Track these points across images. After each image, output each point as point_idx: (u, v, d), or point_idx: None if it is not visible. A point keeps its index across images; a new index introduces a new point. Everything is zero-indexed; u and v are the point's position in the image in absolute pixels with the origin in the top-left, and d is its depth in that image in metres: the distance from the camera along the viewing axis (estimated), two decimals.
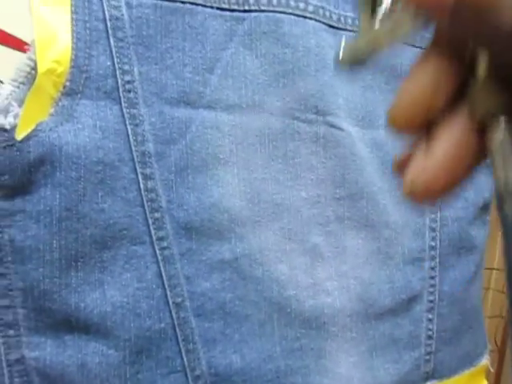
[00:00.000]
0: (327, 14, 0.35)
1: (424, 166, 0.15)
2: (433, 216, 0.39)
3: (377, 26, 0.16)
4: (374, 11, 0.16)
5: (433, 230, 0.39)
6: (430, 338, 0.39)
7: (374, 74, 0.37)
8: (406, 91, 0.15)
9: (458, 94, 0.15)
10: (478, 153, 0.14)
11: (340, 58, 0.16)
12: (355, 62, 0.17)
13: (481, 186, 0.42)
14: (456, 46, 0.14)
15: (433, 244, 0.39)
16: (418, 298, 0.38)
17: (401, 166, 0.16)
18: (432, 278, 0.39)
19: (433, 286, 0.39)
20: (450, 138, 0.14)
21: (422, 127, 0.15)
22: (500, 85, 0.13)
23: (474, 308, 0.42)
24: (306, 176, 0.34)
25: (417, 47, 0.39)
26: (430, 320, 0.39)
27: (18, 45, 0.49)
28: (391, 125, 0.15)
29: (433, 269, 0.39)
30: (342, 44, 0.17)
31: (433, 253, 0.39)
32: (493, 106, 0.14)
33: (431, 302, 0.39)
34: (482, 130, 0.14)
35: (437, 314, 0.39)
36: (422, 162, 0.15)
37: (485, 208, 0.43)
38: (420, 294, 0.38)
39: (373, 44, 0.16)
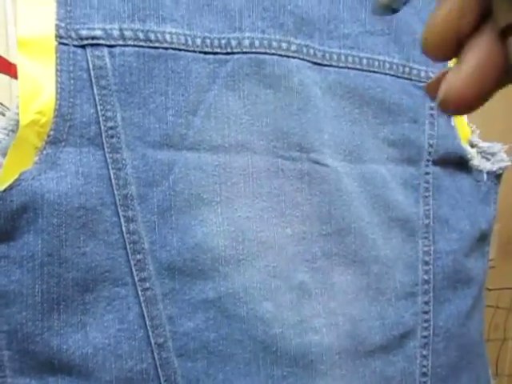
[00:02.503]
0: (311, 51, 0.36)
1: (456, 77, 0.16)
2: (426, 249, 0.39)
3: None
4: None
5: (426, 263, 0.39)
6: (424, 375, 0.38)
7: (361, 108, 0.37)
8: (437, 14, 0.16)
9: (485, 18, 0.16)
10: (505, 65, 0.15)
11: (378, 4, 0.18)
12: (390, 8, 0.18)
13: (477, 218, 0.41)
14: None
15: (426, 278, 0.39)
16: (410, 333, 0.38)
17: (434, 85, 0.17)
18: (426, 312, 0.38)
19: (427, 321, 0.38)
20: (478, 51, 0.16)
21: (454, 51, 0.16)
22: None
23: (473, 343, 0.41)
24: (292, 213, 0.35)
25: (404, 78, 0.39)
26: (424, 356, 0.38)
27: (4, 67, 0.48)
28: (425, 50, 0.17)
29: (426, 303, 0.38)
30: None
31: (426, 287, 0.38)
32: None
33: (425, 337, 0.38)
34: (506, 42, 0.15)
35: (431, 350, 0.38)
36: (453, 75, 0.16)
37: (482, 239, 0.42)
38: (413, 329, 0.38)
39: None
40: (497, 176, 0.43)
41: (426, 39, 0.17)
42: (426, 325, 0.38)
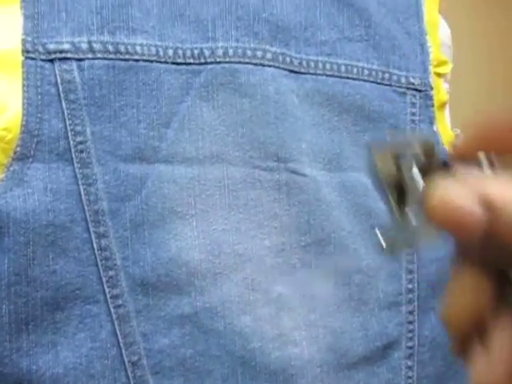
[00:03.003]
0: (287, 59, 0.35)
1: (486, 364, 0.16)
2: (409, 257, 0.38)
3: (409, 221, 0.18)
4: (401, 202, 0.18)
5: (410, 271, 0.38)
6: None
7: (340, 116, 0.37)
8: (453, 295, 0.17)
9: (502, 294, 0.17)
10: None
11: (384, 249, 0.19)
12: (396, 251, 0.19)
13: None
14: (487, 262, 0.16)
15: (410, 287, 0.38)
16: (395, 344, 0.37)
17: (460, 348, 0.18)
18: (410, 322, 0.38)
19: (411, 331, 0.37)
20: (502, 337, 0.16)
21: (473, 327, 0.17)
22: None
23: None
24: (270, 224, 0.34)
25: (384, 84, 0.39)
26: (409, 367, 0.37)
27: None
28: (446, 323, 0.18)
29: (411, 313, 0.38)
30: (379, 235, 0.19)
31: (410, 296, 0.38)
32: None
33: (410, 348, 0.37)
34: None
35: (417, 361, 0.37)
36: (484, 361, 0.17)
37: None
38: (397, 340, 0.37)
39: (409, 241, 0.18)
40: None
41: (447, 317, 0.17)
42: (410, 335, 0.37)
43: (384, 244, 0.19)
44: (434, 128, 0.41)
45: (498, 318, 0.17)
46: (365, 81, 0.38)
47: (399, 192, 0.19)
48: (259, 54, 0.34)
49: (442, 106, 0.42)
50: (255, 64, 0.34)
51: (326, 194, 0.35)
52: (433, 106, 0.41)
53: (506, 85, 1.26)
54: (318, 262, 0.35)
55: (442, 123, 0.42)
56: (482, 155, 0.18)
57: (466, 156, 0.18)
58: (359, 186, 0.37)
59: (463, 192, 0.15)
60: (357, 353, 0.35)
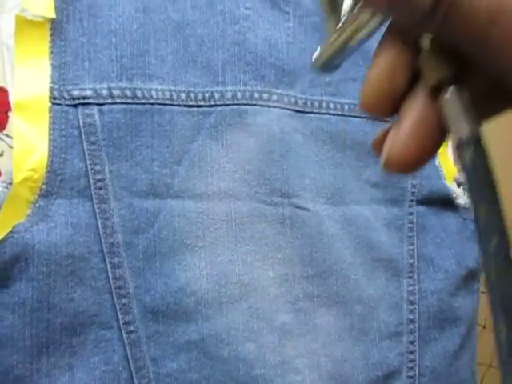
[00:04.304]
0: (292, 100, 0.38)
1: (394, 139, 0.16)
2: (411, 288, 0.39)
3: (340, 28, 0.17)
4: (337, 15, 0.18)
5: (411, 302, 0.39)
6: None
7: (343, 152, 0.39)
8: (369, 77, 0.16)
9: (418, 77, 0.16)
10: (439, 122, 0.16)
11: (313, 63, 0.18)
12: (326, 65, 0.19)
13: (463, 256, 0.41)
14: (401, 30, 0.16)
15: (411, 317, 0.39)
16: (395, 374, 0.38)
17: (378, 144, 0.17)
18: (411, 352, 0.39)
19: (412, 361, 0.39)
20: (413, 111, 0.16)
21: (390, 110, 0.17)
22: (444, 56, 0.15)
23: (461, 382, 0.41)
24: (274, 256, 0.36)
25: (385, 121, 0.41)
26: None
27: None
28: (362, 109, 0.17)
29: (412, 343, 0.39)
30: (316, 51, 0.18)
31: (411, 326, 0.39)
32: (441, 75, 0.15)
33: (411, 377, 0.38)
34: (437, 99, 0.16)
35: None
36: (392, 136, 0.16)
37: (470, 277, 0.42)
38: (398, 369, 0.38)
39: (339, 46, 0.18)
40: None
41: (363, 99, 0.17)
42: (411, 365, 0.38)
43: (314, 60, 0.18)
44: (436, 162, 0.42)
45: (412, 94, 0.16)
46: (367, 118, 0.40)
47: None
48: (265, 96, 0.37)
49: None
50: (262, 105, 0.36)
51: (328, 228, 0.37)
52: None
53: None
54: (320, 292, 0.37)
55: (444, 157, 0.43)
56: None
57: None
58: (361, 219, 0.38)
59: None
60: (357, 381, 0.37)
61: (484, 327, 1.25)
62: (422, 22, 0.14)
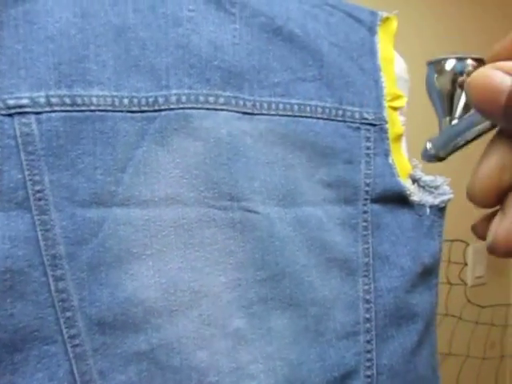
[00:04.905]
0: (240, 102, 0.37)
1: (500, 228, 0.18)
2: (366, 287, 0.39)
3: (454, 126, 0.21)
4: (451, 114, 0.21)
5: (367, 301, 0.39)
6: None
7: (294, 153, 0.39)
8: (479, 173, 0.18)
9: None
10: None
11: (428, 153, 0.22)
12: (439, 156, 0.21)
13: (419, 253, 0.42)
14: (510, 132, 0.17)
15: (367, 316, 0.39)
16: (353, 373, 0.38)
17: (479, 228, 0.20)
18: (368, 351, 0.39)
19: (370, 360, 0.39)
20: None
21: (497, 201, 0.19)
22: None
23: (421, 379, 0.41)
24: (225, 261, 0.35)
25: (337, 121, 0.40)
26: None
27: None
28: (470, 200, 0.19)
29: (369, 342, 0.39)
30: (427, 143, 0.22)
31: (368, 325, 0.39)
32: None
33: (369, 377, 0.38)
34: None
35: None
36: (499, 223, 0.18)
37: (427, 273, 0.42)
38: (355, 369, 0.38)
39: (453, 142, 0.21)
40: (440, 209, 0.44)
41: (471, 192, 0.19)
42: (369, 364, 0.38)
43: (429, 147, 0.21)
44: (390, 160, 0.42)
45: None
46: (318, 118, 0.40)
47: (451, 104, 0.22)
48: (211, 99, 0.36)
49: (398, 138, 0.44)
50: (208, 109, 0.36)
51: (279, 230, 0.37)
52: (388, 138, 0.43)
53: None
54: (273, 295, 0.36)
55: (398, 155, 0.43)
56: None
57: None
58: (314, 220, 0.38)
59: (497, 70, 0.16)
60: (314, 383, 0.36)
61: (460, 318, 1.26)
62: None
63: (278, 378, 0.35)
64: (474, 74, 0.17)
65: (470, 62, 0.21)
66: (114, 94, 0.34)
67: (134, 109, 0.34)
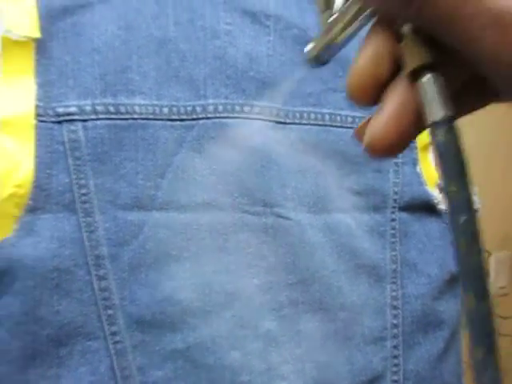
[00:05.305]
0: (274, 111, 0.39)
1: (376, 124, 0.17)
2: (394, 294, 0.40)
3: (331, 22, 0.19)
4: (330, 11, 0.19)
5: (394, 307, 0.40)
6: None
7: (324, 161, 0.40)
8: (355, 65, 0.17)
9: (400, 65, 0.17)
10: (418, 108, 0.16)
11: (305, 56, 0.20)
12: (317, 58, 0.19)
13: (446, 261, 0.42)
14: (385, 19, 0.17)
15: (395, 322, 0.40)
16: (380, 378, 0.39)
17: (361, 131, 0.18)
18: (395, 357, 0.39)
19: (396, 365, 0.39)
20: (395, 97, 0.17)
21: (375, 97, 0.17)
22: (423, 44, 0.16)
23: None
24: (258, 264, 0.37)
25: None
26: None
27: None
28: (348, 96, 0.18)
29: (396, 347, 0.39)
30: (309, 45, 0.19)
31: (395, 331, 0.40)
32: (419, 61, 0.16)
33: (395, 382, 0.39)
34: (415, 85, 0.16)
35: None
36: (374, 121, 0.17)
37: (453, 281, 0.43)
38: (382, 374, 0.39)
39: (329, 39, 0.19)
40: None
41: (348, 86, 0.18)
42: (395, 369, 0.39)
43: (307, 52, 0.19)
44: (417, 169, 0.43)
45: (394, 84, 0.17)
46: (348, 128, 0.41)
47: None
48: (246, 108, 0.38)
49: (426, 147, 0.45)
50: (243, 118, 0.37)
51: (310, 236, 0.38)
52: (416, 148, 0.43)
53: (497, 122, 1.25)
54: (304, 299, 0.37)
55: (426, 164, 0.44)
56: None
57: None
58: (343, 227, 0.39)
59: None
60: None
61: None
62: (400, 12, 0.15)
63: (307, 380, 0.36)
64: None
65: None
66: (155, 102, 0.36)
67: (174, 117, 0.36)
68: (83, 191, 0.33)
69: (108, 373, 0.32)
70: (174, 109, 0.36)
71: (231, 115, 0.37)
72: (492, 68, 0.15)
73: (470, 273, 0.15)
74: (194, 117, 0.36)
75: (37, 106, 0.33)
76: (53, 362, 0.32)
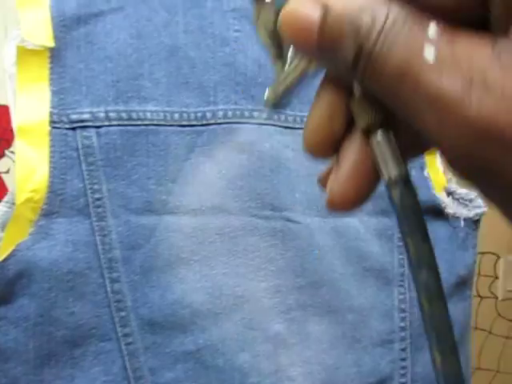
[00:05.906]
0: (282, 117, 0.39)
1: (335, 180, 0.17)
2: (401, 297, 0.40)
3: (287, 71, 0.19)
4: (283, 59, 0.19)
5: (402, 310, 0.40)
6: None
7: None
8: (310, 119, 0.17)
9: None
10: (373, 163, 0.16)
11: (265, 102, 0.20)
12: (277, 103, 0.20)
13: (454, 264, 0.43)
14: (335, 76, 0.16)
15: (403, 325, 0.40)
16: (387, 380, 0.39)
17: (324, 181, 0.18)
18: (403, 359, 0.40)
19: (404, 367, 0.40)
20: (351, 153, 0.17)
21: (331, 150, 0.17)
22: (372, 102, 0.16)
23: None
24: (266, 268, 0.37)
25: None
26: None
27: None
28: (305, 149, 0.18)
29: (403, 350, 0.40)
30: (266, 91, 0.20)
31: (403, 334, 0.40)
32: (369, 120, 0.16)
33: None
34: (367, 141, 0.16)
35: None
36: (333, 178, 0.17)
37: (461, 284, 0.43)
38: (390, 376, 0.39)
39: (284, 85, 0.19)
40: (474, 222, 0.45)
41: (304, 141, 0.17)
42: (403, 371, 0.39)
43: (266, 99, 0.19)
44: (425, 173, 0.43)
45: (349, 138, 0.16)
46: None
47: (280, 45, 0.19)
48: (256, 114, 0.38)
49: (433, 152, 0.45)
50: (252, 123, 0.38)
51: (318, 240, 0.38)
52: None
53: None
54: (312, 302, 0.38)
55: (434, 168, 0.44)
56: None
57: None
58: (351, 230, 0.40)
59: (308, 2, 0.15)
60: None
61: (490, 332, 1.24)
62: (347, 72, 0.15)
63: (315, 382, 0.37)
64: (286, 7, 0.15)
65: None
66: (166, 109, 0.36)
67: (184, 123, 0.37)
68: (97, 196, 0.34)
69: (121, 373, 0.33)
70: (185, 115, 0.37)
71: (240, 121, 0.38)
72: (436, 143, 0.14)
73: (434, 329, 0.15)
74: (204, 122, 0.37)
75: (51, 113, 0.34)
76: (67, 363, 0.32)
